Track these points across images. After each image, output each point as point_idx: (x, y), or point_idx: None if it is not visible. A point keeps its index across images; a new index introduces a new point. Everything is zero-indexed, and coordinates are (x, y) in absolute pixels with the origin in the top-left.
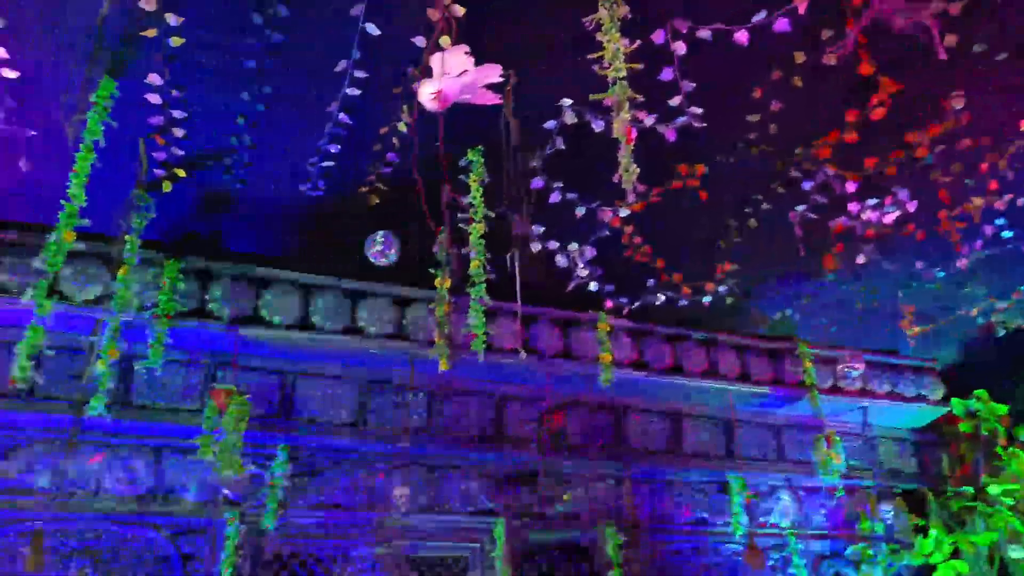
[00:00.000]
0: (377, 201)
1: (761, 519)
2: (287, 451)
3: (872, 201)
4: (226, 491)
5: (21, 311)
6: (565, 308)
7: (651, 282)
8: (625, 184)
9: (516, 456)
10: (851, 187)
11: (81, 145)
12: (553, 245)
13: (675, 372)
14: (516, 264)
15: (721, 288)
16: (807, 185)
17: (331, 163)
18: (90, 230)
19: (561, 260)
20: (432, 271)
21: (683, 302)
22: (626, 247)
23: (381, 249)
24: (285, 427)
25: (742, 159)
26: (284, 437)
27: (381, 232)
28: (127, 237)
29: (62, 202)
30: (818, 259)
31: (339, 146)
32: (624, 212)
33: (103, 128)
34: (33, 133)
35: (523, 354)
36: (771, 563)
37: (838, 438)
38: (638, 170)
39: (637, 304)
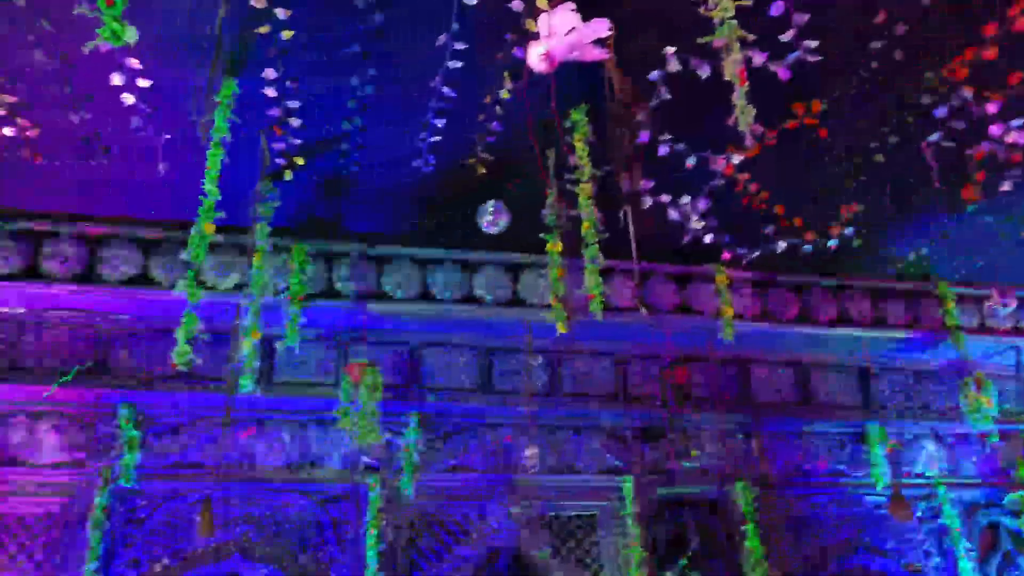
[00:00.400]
0: (484, 171)
1: (905, 469)
2: (418, 418)
3: (1018, 122)
4: (366, 458)
5: (173, 301)
6: (680, 263)
7: (770, 230)
8: (742, 127)
9: (640, 414)
10: (992, 108)
11: (211, 143)
12: (665, 199)
13: (802, 321)
14: (628, 221)
15: (848, 230)
16: (940, 112)
17: (438, 137)
18: (225, 222)
19: (673, 214)
20: (543, 236)
21: (807, 248)
22: (741, 195)
23: (492, 218)
24: (415, 396)
25: (864, 91)
26: (415, 405)
27: (491, 201)
28: (257, 226)
29: (200, 197)
30: (955, 191)
31: (445, 120)
32: (737, 159)
33: (228, 125)
34: (168, 136)
35: (644, 310)
36: (918, 513)
37: (988, 381)
38: (754, 111)
39: (756, 254)
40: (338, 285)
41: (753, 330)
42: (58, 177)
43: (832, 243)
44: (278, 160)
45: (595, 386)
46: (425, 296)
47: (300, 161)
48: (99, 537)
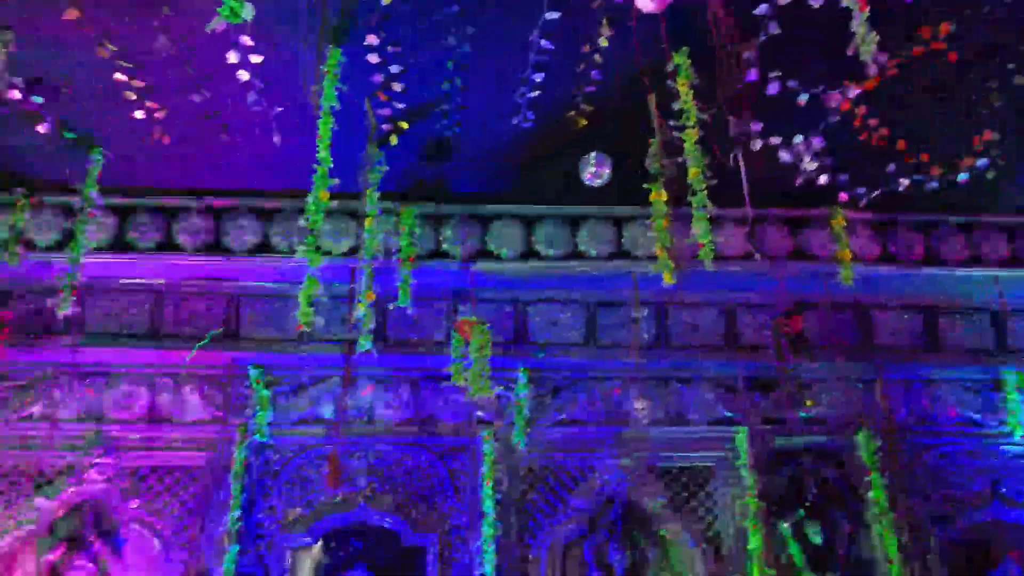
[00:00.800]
0: (585, 123)
1: None
2: (527, 373)
3: None
4: (479, 412)
5: (293, 267)
6: (793, 207)
7: (892, 167)
8: (864, 56)
9: (753, 364)
10: None
11: (321, 112)
12: (775, 140)
13: (928, 263)
14: (738, 166)
15: (980, 162)
16: None
17: (538, 92)
18: (336, 189)
19: (785, 156)
20: (647, 186)
21: (933, 185)
22: (859, 131)
23: (594, 170)
24: (523, 351)
25: (999, 8)
26: (523, 361)
27: (593, 153)
28: (367, 191)
29: (314, 166)
30: None
31: (543, 74)
32: (855, 93)
33: (336, 94)
34: (280, 109)
35: (758, 256)
36: None
37: None
38: (877, 38)
39: (876, 193)
40: (445, 246)
41: (874, 273)
42: (184, 155)
43: (962, 177)
44: (383, 126)
45: (704, 336)
46: (530, 253)
47: (404, 125)
48: (240, 488)
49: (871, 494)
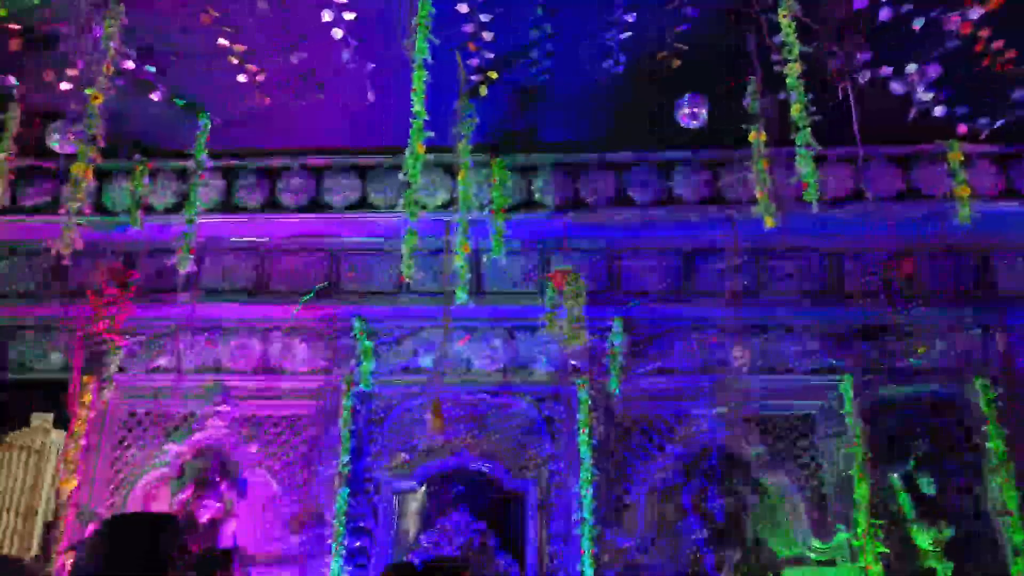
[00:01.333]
0: (679, 63)
1: None
2: (622, 322)
3: None
4: (573, 361)
5: (390, 222)
6: (905, 143)
7: (1019, 94)
8: None
9: (858, 310)
10: None
11: (414, 65)
12: (886, 71)
13: None
14: (845, 100)
15: None
16: None
17: (629, 34)
18: (430, 143)
19: (897, 87)
20: (745, 127)
21: None
22: (981, 56)
23: (689, 111)
24: (617, 300)
25: None
26: (617, 310)
27: (688, 94)
28: (459, 144)
29: (410, 120)
30: None
31: (635, 13)
32: (977, 14)
33: (428, 46)
34: (373, 65)
35: (870, 195)
36: None
37: None
38: None
39: (1000, 123)
40: (537, 196)
41: (996, 211)
42: (284, 116)
43: None
44: (473, 77)
45: (807, 282)
46: (622, 200)
47: (494, 75)
48: (348, 435)
49: (989, 444)
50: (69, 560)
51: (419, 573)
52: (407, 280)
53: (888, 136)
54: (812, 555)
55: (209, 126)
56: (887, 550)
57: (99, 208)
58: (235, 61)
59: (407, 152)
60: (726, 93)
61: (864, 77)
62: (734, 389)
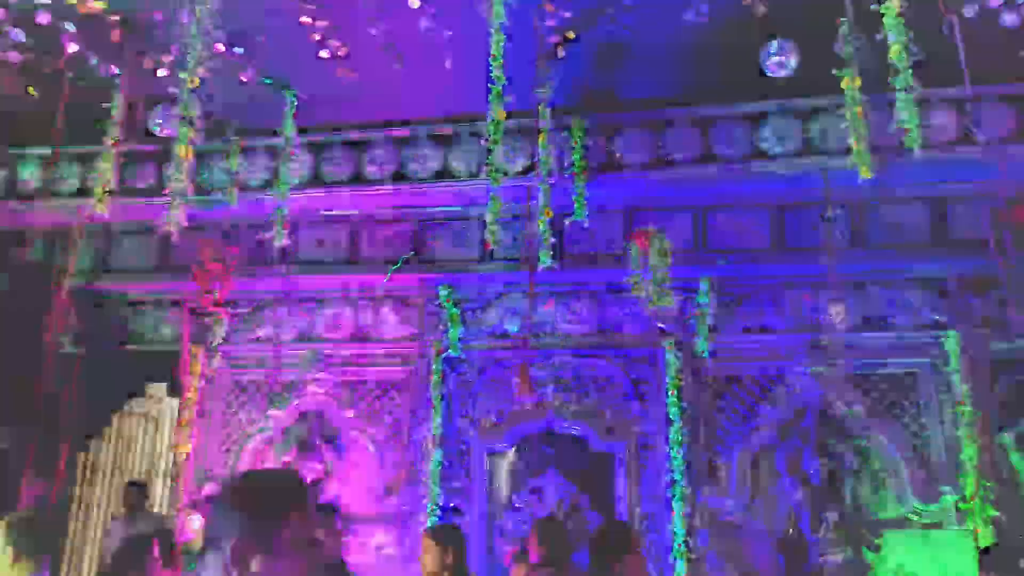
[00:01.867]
0: (765, 10)
1: None
2: (710, 282)
3: None
4: (661, 323)
5: (471, 191)
6: (1017, 80)
7: None
8: None
9: (966, 262)
10: None
11: (492, 30)
12: (995, 2)
13: None
14: (950, 37)
15: None
16: None
17: None
18: (510, 107)
19: (1009, 19)
20: (838, 72)
21: None
22: None
23: (778, 59)
24: (704, 259)
25: None
26: (704, 269)
27: (775, 41)
28: (539, 107)
29: (489, 85)
30: None
31: None
32: None
33: (505, 10)
34: (450, 33)
35: (982, 138)
36: None
37: None
38: None
39: None
40: (619, 156)
41: None
42: (366, 89)
43: None
44: (551, 38)
45: (908, 234)
46: (708, 156)
47: (571, 35)
48: (439, 398)
49: None
50: (191, 517)
51: (592, 535)
52: (491, 247)
53: (999, 75)
54: (915, 517)
55: (296, 103)
56: (997, 512)
57: (197, 188)
58: (318, 38)
59: (487, 118)
60: (817, 38)
61: (972, 10)
62: (832, 347)
